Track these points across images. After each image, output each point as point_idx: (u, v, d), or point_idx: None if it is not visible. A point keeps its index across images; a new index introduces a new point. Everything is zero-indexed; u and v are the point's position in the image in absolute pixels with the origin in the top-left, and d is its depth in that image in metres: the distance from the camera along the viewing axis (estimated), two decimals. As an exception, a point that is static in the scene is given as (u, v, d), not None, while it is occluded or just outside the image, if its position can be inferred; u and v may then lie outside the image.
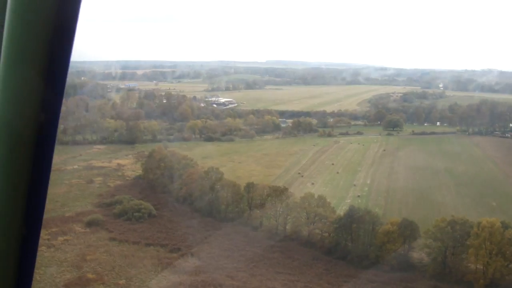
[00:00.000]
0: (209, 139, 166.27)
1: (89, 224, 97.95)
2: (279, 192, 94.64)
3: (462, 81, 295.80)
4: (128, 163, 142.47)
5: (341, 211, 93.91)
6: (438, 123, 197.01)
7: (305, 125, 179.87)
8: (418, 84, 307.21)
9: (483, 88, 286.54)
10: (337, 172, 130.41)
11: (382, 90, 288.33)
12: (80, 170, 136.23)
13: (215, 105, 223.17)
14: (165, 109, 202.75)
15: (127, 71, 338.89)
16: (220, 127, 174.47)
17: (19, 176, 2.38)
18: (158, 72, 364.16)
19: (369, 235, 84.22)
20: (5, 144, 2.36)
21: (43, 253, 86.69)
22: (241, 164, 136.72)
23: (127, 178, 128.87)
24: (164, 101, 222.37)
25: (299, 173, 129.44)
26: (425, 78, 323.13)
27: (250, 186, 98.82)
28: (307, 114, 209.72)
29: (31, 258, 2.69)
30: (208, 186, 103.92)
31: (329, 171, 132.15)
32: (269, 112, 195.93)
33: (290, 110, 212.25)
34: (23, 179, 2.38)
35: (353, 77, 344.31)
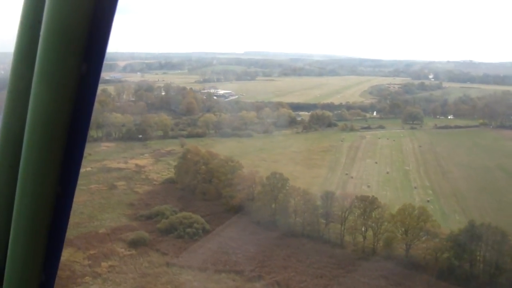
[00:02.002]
0: (226, 135, 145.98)
1: (134, 243, 77.69)
2: (367, 203, 75.86)
3: (452, 72, 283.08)
4: (147, 164, 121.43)
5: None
6: (450, 116, 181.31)
7: (323, 118, 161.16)
8: (406, 75, 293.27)
9: (474, 79, 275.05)
10: (387, 172, 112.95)
11: (374, 81, 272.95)
12: (95, 172, 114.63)
13: (215, 97, 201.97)
14: (167, 102, 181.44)
15: (108, 63, 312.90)
16: (234, 121, 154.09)
17: (58, 128, 2.29)
18: (139, 64, 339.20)
19: (496, 255, 66.46)
20: (45, 96, 2.28)
21: (89, 286, 66.40)
22: (276, 164, 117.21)
23: (155, 182, 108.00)
24: (163, 93, 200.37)
25: (346, 174, 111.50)
26: (411, 70, 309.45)
27: (328, 195, 79.80)
28: (315, 106, 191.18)
29: (65, 217, 2.60)
30: (271, 194, 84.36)
31: (377, 171, 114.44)
32: (281, 105, 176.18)
33: (296, 102, 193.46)
34: (62, 133, 2.30)
35: (339, 69, 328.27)
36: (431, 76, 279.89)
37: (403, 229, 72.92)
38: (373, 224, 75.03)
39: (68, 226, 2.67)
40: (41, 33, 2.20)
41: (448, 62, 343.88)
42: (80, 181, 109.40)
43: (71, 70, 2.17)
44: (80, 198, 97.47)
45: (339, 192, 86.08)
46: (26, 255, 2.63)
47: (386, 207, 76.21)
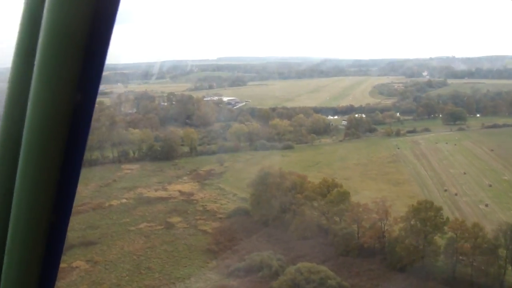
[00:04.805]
0: (263, 147, 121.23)
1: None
2: None
3: (447, 68, 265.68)
4: (193, 190, 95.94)
5: None
6: (478, 115, 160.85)
7: (362, 123, 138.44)
8: (397, 74, 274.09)
9: (471, 74, 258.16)
10: (490, 185, 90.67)
11: (370, 81, 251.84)
12: (134, 205, 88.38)
13: (221, 105, 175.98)
14: (177, 113, 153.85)
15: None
16: (267, 131, 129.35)
17: (51, 160, 2.21)
18: (115, 74, 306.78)
19: None
20: (38, 125, 2.17)
21: None
22: (351, 182, 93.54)
23: (219, 215, 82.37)
24: (165, 103, 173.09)
25: (445, 190, 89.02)
26: (399, 68, 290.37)
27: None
28: (335, 110, 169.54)
29: (59, 246, 2.51)
30: (418, 229, 60.26)
31: (476, 184, 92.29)
32: (304, 110, 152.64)
33: (313, 107, 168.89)
34: (55, 163, 2.21)
35: (327, 70, 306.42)
36: (425, 74, 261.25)
37: None
38: None
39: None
40: (36, 62, 2.10)
41: (431, 58, 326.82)
42: (123, 219, 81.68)
43: (65, 99, 2.08)
44: (135, 245, 71.33)
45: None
46: (19, 285, 2.52)
47: None
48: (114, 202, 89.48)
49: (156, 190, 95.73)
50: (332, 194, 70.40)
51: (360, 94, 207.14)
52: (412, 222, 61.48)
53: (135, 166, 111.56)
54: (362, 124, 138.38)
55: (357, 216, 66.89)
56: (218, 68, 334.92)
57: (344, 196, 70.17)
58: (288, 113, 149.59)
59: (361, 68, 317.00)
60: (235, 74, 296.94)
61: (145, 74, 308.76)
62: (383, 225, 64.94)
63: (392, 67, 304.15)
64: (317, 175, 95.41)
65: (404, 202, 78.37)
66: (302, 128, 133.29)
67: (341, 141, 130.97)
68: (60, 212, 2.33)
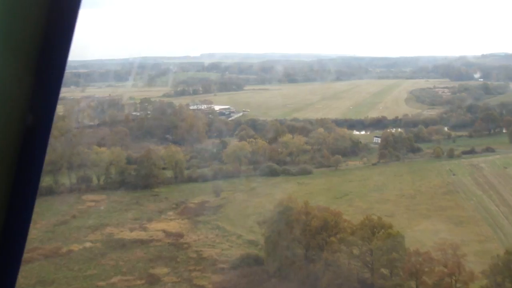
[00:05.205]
0: (272, 173, 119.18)
1: None
2: None
3: (508, 69, 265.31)
4: (182, 230, 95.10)
5: None
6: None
7: (401, 141, 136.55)
8: (440, 76, 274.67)
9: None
10: None
11: (407, 85, 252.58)
12: (103, 252, 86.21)
13: (212, 116, 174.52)
14: (154, 125, 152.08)
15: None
16: (276, 151, 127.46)
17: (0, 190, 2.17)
18: (68, 74, 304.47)
19: None
20: None
21: None
22: (395, 220, 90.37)
23: (221, 265, 79.95)
24: (138, 113, 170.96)
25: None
26: (443, 68, 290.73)
27: None
28: (362, 124, 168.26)
29: None
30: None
31: None
32: (324, 123, 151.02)
33: (333, 119, 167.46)
34: (4, 194, 2.15)
35: (346, 71, 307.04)
36: (477, 75, 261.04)
37: None
38: None
39: None
40: None
41: (484, 55, 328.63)
42: (88, 271, 78.65)
43: (15, 122, 2.03)
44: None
45: None
46: None
47: None
48: (75, 247, 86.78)
49: (132, 230, 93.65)
50: (378, 237, 67.46)
51: (394, 102, 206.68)
52: (497, 279, 58.59)
53: (101, 197, 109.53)
54: (401, 142, 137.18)
55: (415, 268, 63.87)
56: (203, 67, 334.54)
57: (396, 240, 67.19)
58: (302, 127, 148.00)
59: (390, 68, 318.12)
60: (226, 75, 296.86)
61: (109, 74, 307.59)
62: (453, 281, 61.98)
63: (431, 67, 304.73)
64: (348, 210, 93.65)
65: (474, 249, 76.45)
66: (322, 146, 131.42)
67: (374, 164, 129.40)
68: (4, 274, 2.20)
